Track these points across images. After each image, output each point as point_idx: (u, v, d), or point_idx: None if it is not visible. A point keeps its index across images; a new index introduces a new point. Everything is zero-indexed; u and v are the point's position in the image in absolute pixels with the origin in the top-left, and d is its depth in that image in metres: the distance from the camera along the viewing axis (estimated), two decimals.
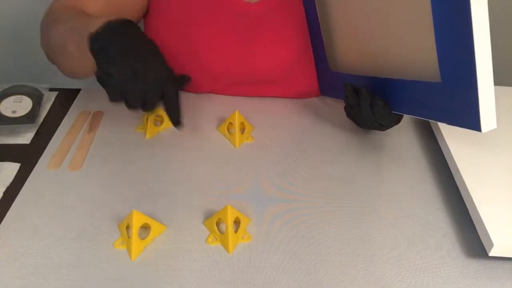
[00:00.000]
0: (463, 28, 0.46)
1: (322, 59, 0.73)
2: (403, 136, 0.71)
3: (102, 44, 0.55)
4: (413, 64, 0.55)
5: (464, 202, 0.57)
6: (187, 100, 0.76)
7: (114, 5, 0.72)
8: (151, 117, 0.66)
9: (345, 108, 0.67)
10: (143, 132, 0.67)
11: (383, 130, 0.67)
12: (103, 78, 0.54)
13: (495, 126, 0.48)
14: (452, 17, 0.47)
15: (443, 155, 0.65)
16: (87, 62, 0.57)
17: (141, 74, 0.54)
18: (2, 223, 0.53)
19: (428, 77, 0.53)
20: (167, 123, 0.68)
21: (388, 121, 0.61)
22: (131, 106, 0.55)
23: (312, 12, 0.71)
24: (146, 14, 0.78)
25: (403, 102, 0.58)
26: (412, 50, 0.55)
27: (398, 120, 0.62)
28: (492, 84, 0.47)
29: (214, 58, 0.73)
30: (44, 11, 0.73)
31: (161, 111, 0.67)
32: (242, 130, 0.68)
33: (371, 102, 0.60)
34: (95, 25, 0.56)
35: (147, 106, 0.56)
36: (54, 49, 0.66)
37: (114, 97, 0.54)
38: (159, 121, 0.68)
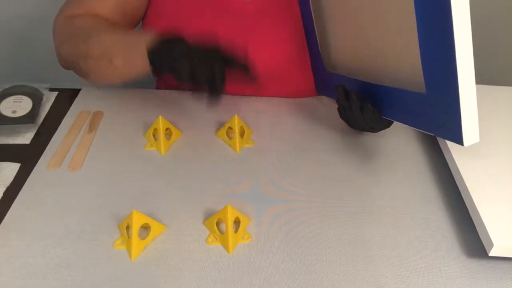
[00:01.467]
0: (445, 43, 0.46)
1: (317, 58, 0.73)
2: (403, 136, 0.71)
3: (162, 47, 0.60)
4: (400, 73, 0.56)
5: (464, 202, 0.57)
6: (184, 101, 0.76)
7: (122, 5, 0.73)
8: (162, 133, 0.65)
9: (338, 109, 0.67)
10: (154, 149, 0.65)
11: (375, 132, 0.67)
12: (177, 65, 0.58)
13: (477, 140, 0.49)
14: (436, 31, 0.47)
15: (443, 155, 0.65)
16: (132, 71, 0.63)
17: (198, 53, 0.59)
18: (2, 223, 0.53)
19: (414, 87, 0.53)
20: (176, 136, 0.68)
21: (378, 125, 0.61)
22: (196, 81, 0.59)
23: (307, 13, 0.71)
24: (144, 14, 0.78)
25: (392, 109, 0.58)
26: (400, 59, 0.55)
27: (388, 124, 0.62)
28: (475, 99, 0.47)
29: None
30: (46, 11, 0.73)
31: (169, 125, 0.67)
32: (242, 134, 0.68)
33: (361, 106, 0.60)
34: (145, 39, 0.61)
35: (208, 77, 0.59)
36: (92, 60, 0.67)
37: (185, 77, 0.58)
38: (168, 135, 0.68)
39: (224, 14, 0.72)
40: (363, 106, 0.59)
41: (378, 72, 0.60)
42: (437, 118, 0.51)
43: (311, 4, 0.69)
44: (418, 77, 0.52)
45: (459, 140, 0.49)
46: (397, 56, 0.55)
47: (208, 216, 0.55)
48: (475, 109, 0.48)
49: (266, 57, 0.74)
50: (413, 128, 0.57)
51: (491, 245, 0.50)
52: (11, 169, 0.61)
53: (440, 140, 0.67)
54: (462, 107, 0.47)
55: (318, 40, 0.71)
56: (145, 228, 0.52)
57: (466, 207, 0.57)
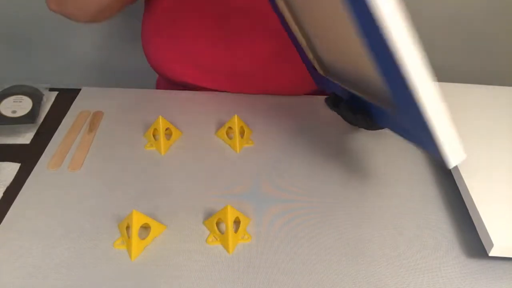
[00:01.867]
0: (394, 67, 0.41)
1: (307, 60, 0.72)
2: None
3: None
4: (377, 93, 0.53)
5: (464, 202, 0.57)
6: (184, 101, 0.76)
7: None
8: (162, 133, 0.65)
9: None
10: (154, 149, 0.65)
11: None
12: None
13: (464, 157, 0.45)
14: (380, 48, 0.41)
15: None
16: None
17: None
18: (2, 223, 0.53)
19: (390, 108, 0.50)
20: (176, 136, 0.68)
21: (373, 128, 0.61)
22: None
23: (281, 18, 0.66)
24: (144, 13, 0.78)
25: (384, 121, 0.56)
26: (371, 80, 0.52)
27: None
28: (448, 118, 0.43)
29: (201, 52, 0.73)
30: (46, 11, 0.72)
31: (169, 125, 0.66)
32: (242, 134, 0.68)
33: (353, 115, 0.59)
34: None
35: None
36: None
37: None
38: (168, 135, 0.68)
39: (212, 9, 0.72)
40: (354, 117, 0.59)
41: (361, 88, 0.57)
42: (420, 139, 0.48)
43: (286, 18, 0.65)
44: (389, 98, 0.48)
45: (445, 161, 0.46)
46: (367, 76, 0.52)
47: (208, 216, 0.55)
48: (451, 128, 0.44)
49: (255, 52, 0.74)
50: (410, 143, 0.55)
51: (491, 245, 0.50)
52: (11, 169, 0.61)
53: None
54: (437, 132, 0.43)
55: (301, 42, 0.69)
56: (145, 228, 0.52)
57: (466, 207, 0.57)
